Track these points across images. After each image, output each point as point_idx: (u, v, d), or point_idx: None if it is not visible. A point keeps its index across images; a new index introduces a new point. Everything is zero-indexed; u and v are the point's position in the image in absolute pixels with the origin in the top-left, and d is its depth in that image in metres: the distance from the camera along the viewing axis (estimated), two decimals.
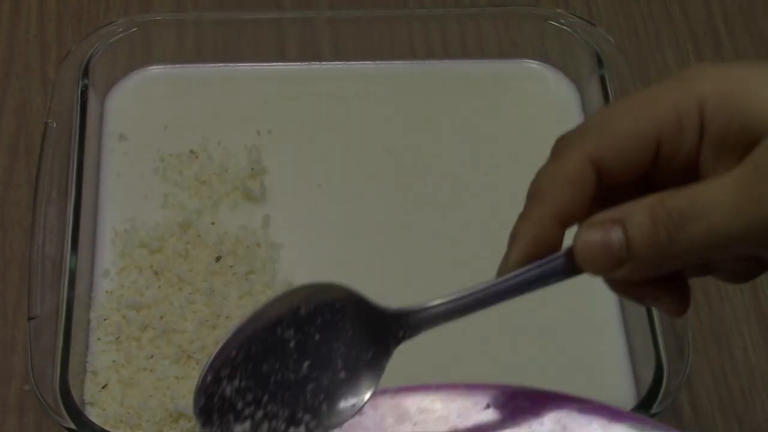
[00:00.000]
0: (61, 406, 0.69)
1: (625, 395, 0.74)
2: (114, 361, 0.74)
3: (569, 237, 0.52)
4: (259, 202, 0.81)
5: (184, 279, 0.76)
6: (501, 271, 0.54)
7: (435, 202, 0.82)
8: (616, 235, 0.49)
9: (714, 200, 0.48)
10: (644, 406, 0.70)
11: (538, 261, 0.52)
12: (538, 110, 0.86)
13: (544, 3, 0.93)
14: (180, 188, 0.81)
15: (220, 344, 0.50)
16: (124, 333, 0.74)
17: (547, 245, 0.52)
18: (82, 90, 0.82)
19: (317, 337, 0.52)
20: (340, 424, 0.53)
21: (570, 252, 0.51)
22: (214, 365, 0.51)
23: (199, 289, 0.76)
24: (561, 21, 0.86)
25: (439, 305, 0.54)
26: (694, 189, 0.49)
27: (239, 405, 0.51)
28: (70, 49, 0.84)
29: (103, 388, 0.73)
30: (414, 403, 0.61)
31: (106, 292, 0.76)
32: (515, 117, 0.86)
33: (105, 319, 0.75)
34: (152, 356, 0.74)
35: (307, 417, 0.52)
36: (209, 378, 0.50)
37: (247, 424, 0.51)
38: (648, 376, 0.71)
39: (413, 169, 0.83)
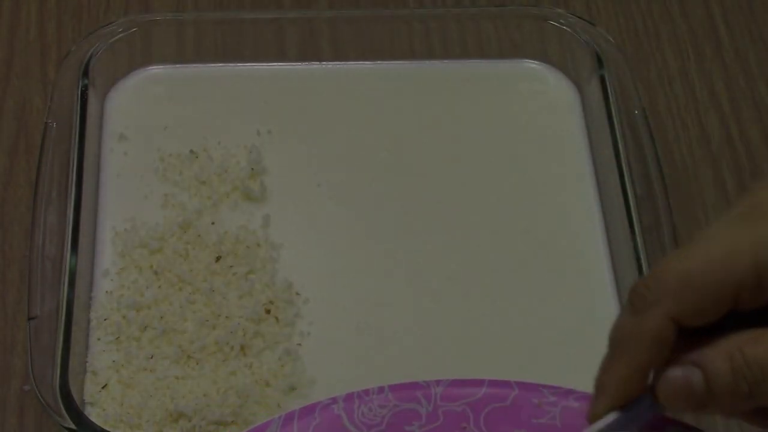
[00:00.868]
0: (61, 406, 0.69)
1: None
2: (114, 361, 0.74)
3: None
4: (259, 202, 0.81)
5: (184, 279, 0.76)
6: (591, 418, 0.55)
7: (435, 201, 0.81)
8: (696, 377, 0.51)
9: None
10: None
11: (625, 409, 0.54)
12: (538, 110, 0.86)
13: (544, 3, 0.93)
14: (180, 188, 0.81)
15: None
16: (124, 333, 0.74)
17: (632, 393, 0.54)
18: (82, 90, 0.82)
19: None
20: None
21: (652, 393, 0.53)
22: None
23: (199, 289, 0.76)
24: (561, 21, 0.86)
25: None
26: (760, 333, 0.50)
27: None
28: (70, 49, 0.84)
29: (103, 388, 0.73)
30: None
31: (106, 292, 0.76)
32: (515, 117, 0.86)
33: (105, 319, 0.75)
34: (152, 356, 0.74)
35: None
36: None
37: None
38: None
39: (413, 169, 0.83)
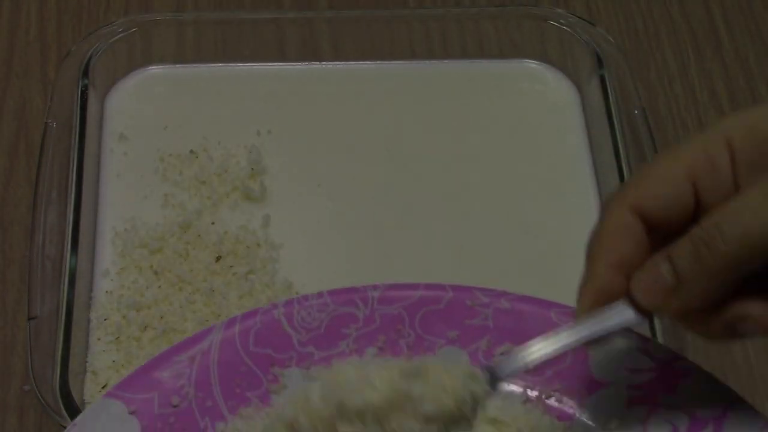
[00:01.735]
0: (61, 406, 0.69)
1: None
2: (114, 361, 0.74)
3: None
4: (259, 202, 0.81)
5: (184, 279, 0.76)
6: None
7: (435, 201, 0.81)
8: (664, 266, 0.53)
9: (744, 205, 0.50)
10: None
11: (603, 309, 0.55)
12: (538, 110, 0.86)
13: (544, 3, 0.93)
14: (180, 188, 0.81)
15: None
16: (124, 333, 0.74)
17: (612, 295, 0.55)
18: (82, 90, 0.82)
19: None
20: None
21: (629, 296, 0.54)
22: None
23: (199, 289, 0.76)
24: (561, 21, 0.86)
25: (519, 358, 0.56)
26: (725, 203, 0.51)
27: None
28: (70, 49, 0.84)
29: (103, 388, 0.73)
30: None
31: (106, 292, 0.76)
32: (515, 117, 0.86)
33: (105, 319, 0.75)
34: (152, 356, 0.73)
35: None
36: None
37: None
38: None
39: (413, 168, 0.83)
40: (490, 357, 0.62)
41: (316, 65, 0.88)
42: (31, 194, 0.79)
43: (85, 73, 0.82)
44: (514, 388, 0.62)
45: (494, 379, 0.56)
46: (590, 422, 0.61)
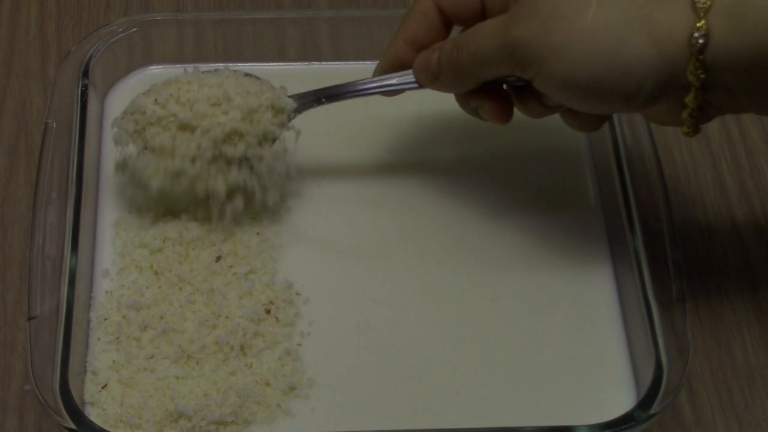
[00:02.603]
0: (61, 406, 0.69)
1: (625, 395, 0.74)
2: (114, 361, 0.74)
3: None
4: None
5: (184, 279, 0.76)
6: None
7: (435, 201, 0.81)
8: (435, 55, 0.74)
9: (482, 30, 0.70)
10: (644, 406, 0.70)
11: (394, 72, 0.76)
12: None
13: None
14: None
15: None
16: (124, 333, 0.74)
17: (403, 63, 0.76)
18: (82, 90, 0.82)
19: None
20: None
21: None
22: None
23: (199, 289, 0.76)
24: None
25: (315, 91, 0.78)
26: (479, 23, 0.71)
27: None
28: (70, 49, 0.84)
29: (103, 388, 0.73)
30: None
31: (106, 292, 0.76)
32: (515, 117, 0.86)
33: (105, 319, 0.75)
34: (152, 356, 0.74)
35: None
36: None
37: None
38: (648, 376, 0.71)
39: (413, 169, 0.83)
40: None
41: (316, 65, 0.88)
42: (31, 194, 0.79)
43: (85, 73, 0.82)
44: None
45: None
46: None
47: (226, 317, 0.75)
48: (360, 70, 0.87)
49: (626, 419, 0.70)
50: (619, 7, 0.65)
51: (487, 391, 0.74)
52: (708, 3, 0.64)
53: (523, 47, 0.67)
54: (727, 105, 0.67)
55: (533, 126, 0.85)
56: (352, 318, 0.76)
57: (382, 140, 0.84)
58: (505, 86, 0.74)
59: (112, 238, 0.79)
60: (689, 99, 0.66)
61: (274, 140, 0.78)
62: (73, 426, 0.68)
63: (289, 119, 0.78)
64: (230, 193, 0.77)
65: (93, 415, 0.71)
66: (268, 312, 0.75)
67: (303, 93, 0.78)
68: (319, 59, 0.88)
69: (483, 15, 0.73)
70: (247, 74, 0.78)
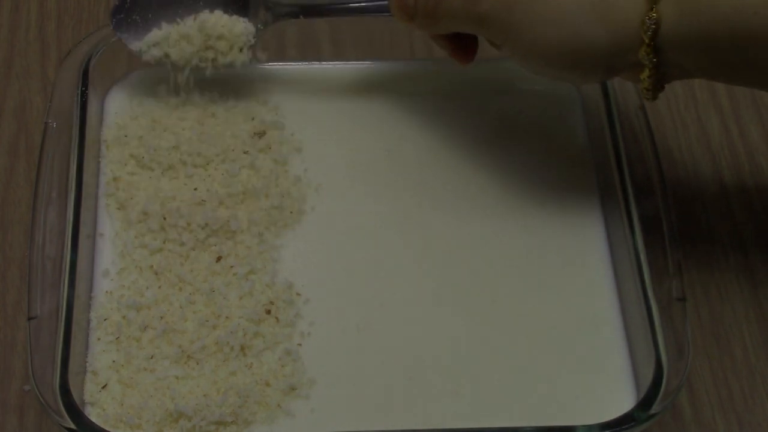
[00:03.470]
0: (61, 406, 0.69)
1: (625, 395, 0.74)
2: (114, 361, 0.74)
3: None
4: None
5: (185, 279, 0.76)
6: None
7: (435, 201, 0.81)
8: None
9: None
10: (644, 406, 0.70)
11: None
12: (538, 110, 0.86)
13: None
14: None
15: None
16: (124, 333, 0.74)
17: None
18: (82, 90, 0.82)
19: None
20: None
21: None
22: None
23: (199, 289, 0.76)
24: None
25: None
26: None
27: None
28: (70, 49, 0.84)
29: (103, 388, 0.73)
30: None
31: (106, 292, 0.76)
32: (515, 117, 0.86)
33: (105, 319, 0.75)
34: (152, 356, 0.74)
35: None
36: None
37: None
38: (648, 376, 0.71)
39: (413, 169, 0.83)
40: None
41: (316, 65, 0.88)
42: (31, 194, 0.79)
43: (85, 73, 0.82)
44: None
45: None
46: None
47: (227, 317, 0.75)
48: (360, 70, 0.87)
49: (626, 419, 0.70)
50: None
51: (487, 392, 0.74)
52: None
53: (488, 23, 0.73)
54: (680, 75, 0.72)
55: (533, 127, 0.86)
56: (353, 318, 0.76)
57: (383, 141, 0.84)
58: None
59: (112, 238, 0.79)
60: (644, 76, 0.71)
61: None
62: (73, 426, 0.68)
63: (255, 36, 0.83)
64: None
65: (93, 415, 0.71)
66: (268, 312, 0.75)
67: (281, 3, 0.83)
68: (319, 59, 0.88)
69: None
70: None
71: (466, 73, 0.86)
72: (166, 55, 0.82)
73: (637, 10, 0.69)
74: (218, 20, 0.81)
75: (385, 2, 0.80)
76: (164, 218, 0.78)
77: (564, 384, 0.74)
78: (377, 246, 0.79)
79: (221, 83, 0.85)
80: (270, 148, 0.83)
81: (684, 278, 0.74)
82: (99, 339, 0.75)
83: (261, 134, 0.83)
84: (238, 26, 0.82)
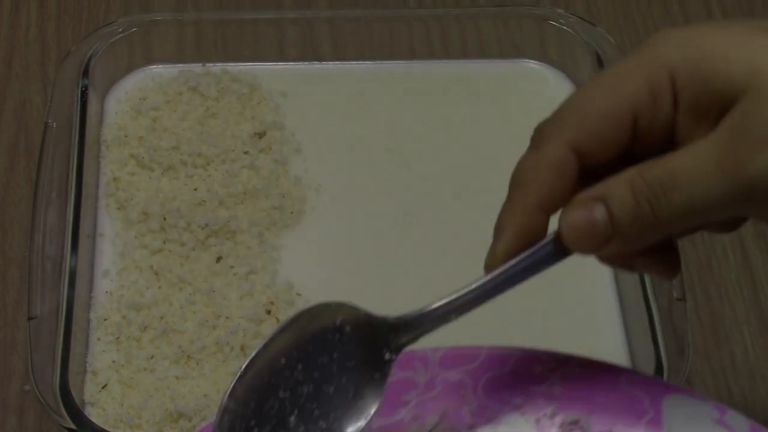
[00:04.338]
0: (61, 406, 0.69)
1: None
2: (114, 361, 0.74)
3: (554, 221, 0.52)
4: None
5: (185, 279, 0.76)
6: (488, 265, 0.54)
7: (436, 202, 0.82)
8: (599, 212, 0.50)
9: (692, 168, 0.49)
10: None
11: (526, 251, 0.52)
12: (538, 110, 0.86)
13: (544, 3, 0.93)
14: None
15: (234, 379, 0.51)
16: (124, 333, 0.74)
17: (533, 234, 0.52)
18: (82, 90, 0.82)
19: (322, 359, 0.53)
20: None
21: (557, 236, 0.52)
22: (229, 406, 0.51)
23: (199, 289, 0.76)
24: (561, 21, 0.86)
25: (437, 308, 0.54)
26: (671, 158, 0.49)
27: None
28: (70, 49, 0.84)
29: (103, 388, 0.73)
30: None
31: (106, 292, 0.76)
32: (515, 117, 0.86)
33: (105, 319, 0.75)
34: (152, 356, 0.74)
35: None
36: (225, 418, 0.51)
37: None
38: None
39: (413, 169, 0.83)
40: (558, 425, 0.59)
41: (316, 65, 0.88)
42: (31, 194, 0.79)
43: (85, 73, 0.82)
44: None
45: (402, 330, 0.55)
46: None
47: (227, 318, 0.75)
48: (360, 70, 0.87)
49: None
50: None
51: None
52: None
53: (761, 190, 0.48)
54: None
55: (533, 127, 0.86)
56: None
57: (383, 141, 0.84)
58: None
59: (112, 238, 0.79)
60: None
61: None
62: (73, 426, 0.68)
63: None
64: None
65: (93, 415, 0.71)
66: (268, 312, 0.75)
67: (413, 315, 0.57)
68: (319, 59, 0.88)
69: (632, 144, 0.52)
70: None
71: (466, 73, 0.86)
72: None
73: None
74: None
75: (541, 248, 0.53)
76: (164, 218, 0.78)
77: None
78: (377, 246, 0.80)
79: (221, 83, 0.85)
80: (270, 148, 0.83)
81: (684, 278, 0.74)
82: (99, 339, 0.75)
83: (261, 134, 0.83)
84: None
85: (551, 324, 0.76)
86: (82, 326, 0.74)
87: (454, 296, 0.54)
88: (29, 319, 0.72)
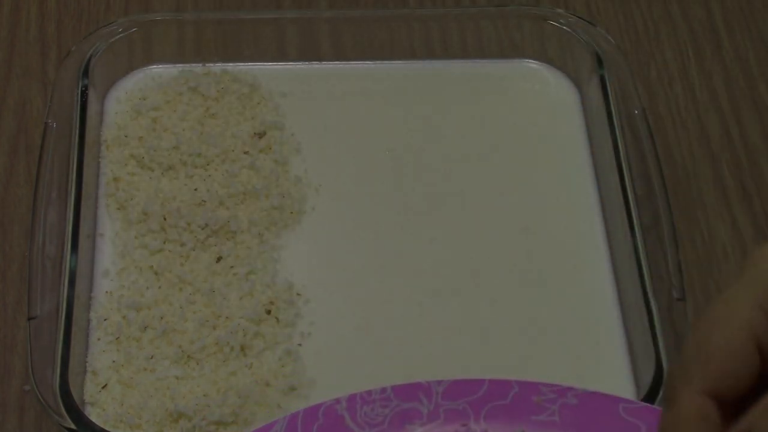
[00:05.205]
0: (61, 406, 0.69)
1: (625, 395, 0.74)
2: (114, 361, 0.74)
3: None
4: None
5: (185, 279, 0.76)
6: None
7: (435, 201, 0.81)
8: None
9: None
10: None
11: None
12: (538, 110, 0.86)
13: (544, 3, 0.93)
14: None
15: None
16: (124, 333, 0.74)
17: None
18: (82, 90, 0.82)
19: None
20: None
21: None
22: None
23: (199, 289, 0.76)
24: (561, 21, 0.86)
25: None
26: None
27: None
28: (70, 49, 0.84)
29: (103, 388, 0.73)
30: None
31: (106, 292, 0.76)
32: (515, 117, 0.86)
33: (105, 319, 0.75)
34: (152, 356, 0.74)
35: None
36: None
37: None
38: (648, 376, 0.71)
39: (413, 168, 0.83)
40: None
41: (316, 65, 0.88)
42: (31, 194, 0.79)
43: (85, 73, 0.82)
44: None
45: None
46: None
47: (227, 318, 0.75)
48: (360, 70, 0.87)
49: None
50: None
51: None
52: None
53: None
54: None
55: (533, 126, 0.86)
56: (353, 318, 0.76)
57: (383, 141, 0.84)
58: None
59: (112, 238, 0.79)
60: None
61: None
62: (73, 426, 0.68)
63: None
64: None
65: (93, 415, 0.71)
66: (268, 312, 0.75)
67: None
68: (319, 59, 0.88)
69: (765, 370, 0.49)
70: None
71: (466, 73, 0.86)
72: None
73: None
74: None
75: None
76: (164, 218, 0.78)
77: (562, 380, 0.74)
78: (377, 246, 0.79)
79: (221, 83, 0.85)
80: (270, 148, 0.83)
81: (684, 278, 0.74)
82: (99, 339, 0.75)
83: (261, 134, 0.83)
84: None
85: (551, 325, 0.76)
86: (82, 326, 0.74)
87: None
88: (29, 319, 0.72)
